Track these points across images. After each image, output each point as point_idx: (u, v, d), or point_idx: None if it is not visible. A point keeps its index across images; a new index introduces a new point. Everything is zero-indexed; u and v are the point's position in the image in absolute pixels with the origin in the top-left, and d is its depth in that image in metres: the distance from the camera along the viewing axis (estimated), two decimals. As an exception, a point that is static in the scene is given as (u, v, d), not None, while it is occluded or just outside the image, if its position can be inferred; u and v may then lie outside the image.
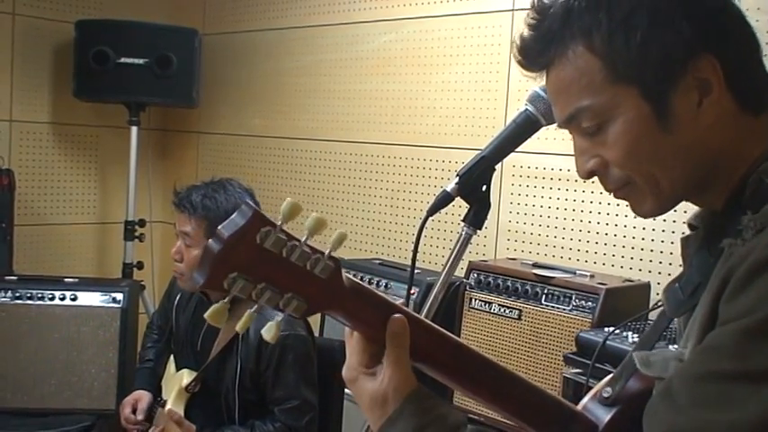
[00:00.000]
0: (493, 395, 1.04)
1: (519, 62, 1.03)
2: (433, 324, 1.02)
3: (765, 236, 0.85)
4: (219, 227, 0.86)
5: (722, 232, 0.93)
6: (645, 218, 1.04)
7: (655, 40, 0.92)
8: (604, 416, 1.03)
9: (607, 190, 1.04)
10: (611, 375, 1.07)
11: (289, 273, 0.87)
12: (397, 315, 0.97)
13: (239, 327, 0.90)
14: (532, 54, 1.02)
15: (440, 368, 1.01)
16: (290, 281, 0.87)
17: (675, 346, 1.03)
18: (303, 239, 0.87)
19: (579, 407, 1.07)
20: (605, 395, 1.04)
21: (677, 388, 0.86)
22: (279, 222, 0.86)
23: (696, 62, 0.92)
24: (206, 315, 0.90)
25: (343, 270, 0.92)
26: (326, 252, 0.89)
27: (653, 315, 2.46)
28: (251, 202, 0.86)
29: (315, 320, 2.63)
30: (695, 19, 0.92)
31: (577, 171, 1.04)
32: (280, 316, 0.91)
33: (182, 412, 2.44)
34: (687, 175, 0.97)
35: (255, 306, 0.88)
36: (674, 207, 1.01)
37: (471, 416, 2.52)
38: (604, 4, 0.94)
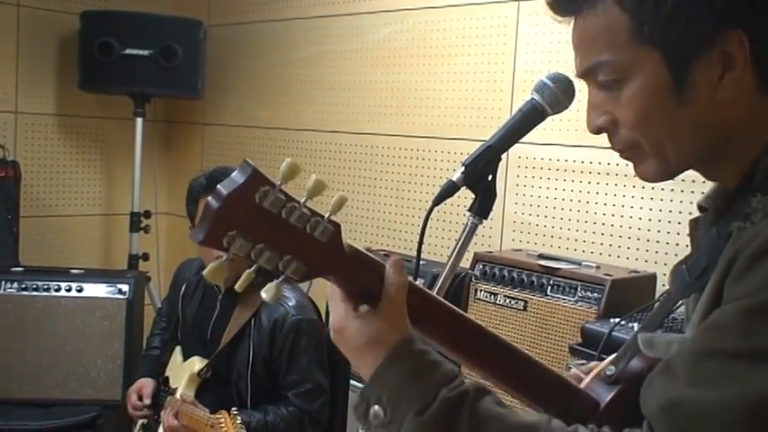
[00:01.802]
0: (495, 368, 1.05)
1: (549, 4, 1.02)
2: (433, 294, 1.02)
3: None
4: (219, 185, 0.85)
5: (731, 214, 0.93)
6: (647, 182, 1.03)
7: (686, 8, 0.90)
8: (606, 394, 1.04)
9: (614, 149, 1.03)
10: (614, 355, 1.08)
11: (288, 234, 0.86)
12: (396, 257, 0.98)
13: (239, 285, 0.89)
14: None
15: (440, 333, 1.01)
16: (289, 242, 0.87)
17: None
18: (302, 201, 0.87)
19: (582, 385, 1.07)
20: (608, 373, 1.05)
21: (677, 365, 0.87)
22: (278, 182, 0.85)
23: (725, 36, 0.90)
24: (204, 272, 0.90)
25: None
26: (326, 215, 0.88)
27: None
28: (251, 162, 0.85)
29: (321, 308, 2.64)
30: None
31: (587, 125, 1.03)
32: (280, 279, 0.90)
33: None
34: (695, 147, 0.96)
35: (254, 266, 0.88)
36: (677, 175, 1.00)
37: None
38: None
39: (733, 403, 0.80)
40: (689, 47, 0.91)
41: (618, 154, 1.03)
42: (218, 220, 0.84)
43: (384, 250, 3.36)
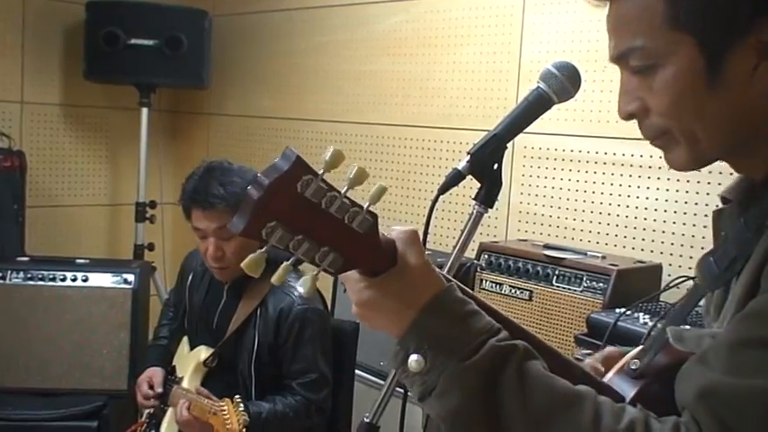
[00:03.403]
0: None
1: None
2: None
3: None
4: (260, 173, 0.82)
5: (760, 204, 0.92)
6: (677, 170, 1.02)
7: None
8: (631, 389, 1.01)
9: (644, 136, 1.01)
10: (638, 348, 1.06)
11: (327, 225, 0.83)
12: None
13: (275, 279, 0.87)
14: None
15: None
16: (327, 233, 0.84)
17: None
18: (343, 191, 0.84)
19: (605, 380, 1.05)
20: (633, 368, 1.02)
21: (712, 355, 0.85)
22: (321, 171, 0.82)
23: (762, 24, 0.89)
24: (243, 264, 0.86)
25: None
26: (365, 205, 0.86)
27: (665, 296, 2.45)
28: (294, 150, 0.82)
29: (327, 298, 2.64)
30: None
31: (618, 111, 1.01)
32: (314, 271, 0.87)
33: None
34: (727, 136, 0.95)
35: (292, 258, 0.85)
36: (708, 164, 0.99)
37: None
38: None
39: None
40: (724, 34, 0.90)
41: (648, 142, 1.02)
42: (259, 211, 0.80)
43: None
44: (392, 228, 0.95)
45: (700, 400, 0.83)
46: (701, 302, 1.08)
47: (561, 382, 0.90)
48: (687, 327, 1.02)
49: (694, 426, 0.82)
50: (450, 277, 0.99)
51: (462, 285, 0.99)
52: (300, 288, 0.89)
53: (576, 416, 0.86)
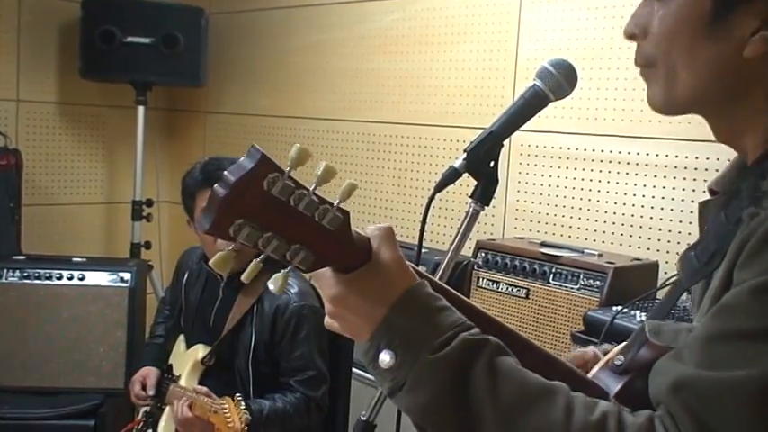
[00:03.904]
0: None
1: None
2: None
3: None
4: (226, 171, 0.82)
5: (740, 197, 0.92)
6: (652, 109, 1.01)
7: None
8: (615, 384, 1.01)
9: (635, 63, 1.02)
10: (622, 344, 1.06)
11: (296, 222, 0.83)
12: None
13: (245, 276, 0.87)
14: None
15: None
16: (297, 231, 0.84)
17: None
18: (311, 188, 0.84)
19: (590, 375, 1.05)
20: (617, 363, 1.02)
21: (687, 350, 0.85)
22: (287, 169, 0.82)
23: None
24: (211, 262, 0.87)
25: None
26: (335, 203, 0.86)
27: (661, 294, 2.45)
28: (259, 148, 0.83)
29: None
30: None
31: (623, 29, 1.02)
32: (287, 270, 0.87)
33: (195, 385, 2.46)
34: (705, 85, 0.95)
35: (261, 255, 0.85)
36: (682, 113, 1.00)
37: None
38: None
39: (747, 382, 0.78)
40: None
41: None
42: (225, 209, 0.80)
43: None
44: (367, 225, 0.95)
45: (673, 394, 0.83)
46: (683, 297, 1.08)
47: (533, 375, 0.89)
48: (666, 321, 1.02)
49: (668, 419, 0.82)
50: (425, 273, 0.98)
51: (436, 281, 0.98)
52: (271, 285, 0.88)
53: (548, 409, 0.85)
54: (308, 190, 0.84)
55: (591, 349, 1.19)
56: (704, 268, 0.95)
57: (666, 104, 0.99)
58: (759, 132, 0.95)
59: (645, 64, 1.00)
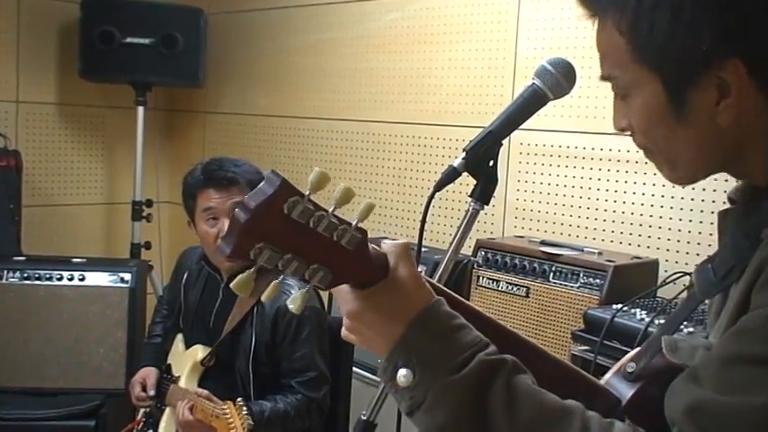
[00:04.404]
0: None
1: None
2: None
3: None
4: (246, 196, 0.84)
5: (760, 213, 0.92)
6: (672, 183, 1.05)
7: (676, 39, 0.90)
8: (628, 391, 1.02)
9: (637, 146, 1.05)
10: (635, 351, 1.06)
11: (315, 243, 0.85)
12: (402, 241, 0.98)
13: (265, 296, 0.90)
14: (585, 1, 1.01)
15: None
16: (316, 252, 0.86)
17: (703, 335, 1.02)
18: (330, 210, 0.86)
19: (602, 381, 1.06)
20: (629, 370, 1.03)
21: (703, 372, 0.85)
22: (306, 192, 0.84)
23: (720, 63, 0.90)
24: (232, 285, 0.88)
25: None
26: (354, 223, 0.88)
27: (661, 292, 2.45)
28: (279, 173, 0.85)
29: (324, 296, 2.63)
30: (718, 25, 0.89)
31: (613, 123, 1.04)
32: (305, 287, 0.89)
33: (195, 387, 2.46)
34: (705, 161, 0.97)
35: (281, 276, 0.87)
36: (699, 180, 1.01)
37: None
38: None
39: (762, 407, 0.78)
40: (684, 72, 0.91)
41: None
42: (246, 233, 0.82)
43: (386, 237, 3.36)
44: (383, 241, 0.97)
45: (688, 417, 0.83)
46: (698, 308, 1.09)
47: (549, 396, 0.90)
48: (681, 335, 1.02)
49: None
50: (443, 288, 1.00)
51: (453, 294, 1.00)
52: (290, 305, 0.91)
53: (565, 428, 0.86)
54: (326, 212, 0.86)
55: None
56: (721, 282, 0.95)
57: (680, 181, 1.03)
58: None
59: (644, 151, 1.02)
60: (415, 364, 0.90)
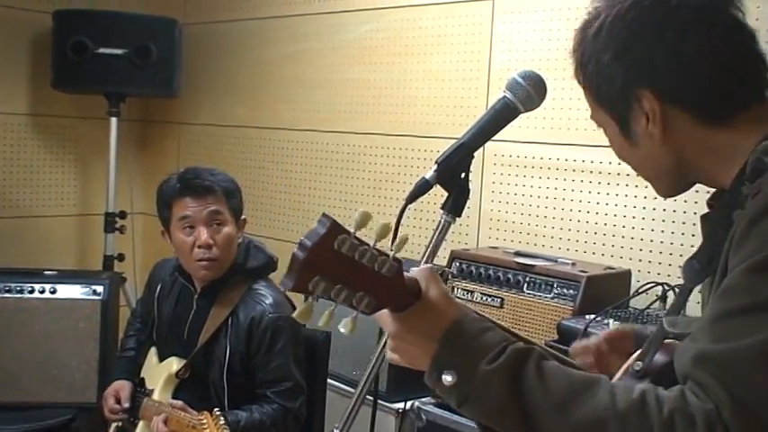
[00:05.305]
0: None
1: None
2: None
3: (759, 196, 1.00)
4: (303, 237, 0.97)
5: (729, 206, 1.06)
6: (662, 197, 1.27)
7: (601, 79, 1.15)
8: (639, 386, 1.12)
9: None
10: (639, 351, 1.19)
11: (361, 274, 0.99)
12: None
13: (322, 322, 1.01)
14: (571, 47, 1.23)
15: None
16: (362, 281, 1.00)
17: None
18: (372, 244, 1.00)
19: (614, 380, 1.14)
20: (636, 369, 1.16)
21: (700, 333, 0.99)
22: (352, 230, 0.99)
23: (637, 95, 1.12)
24: (295, 315, 1.03)
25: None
26: (391, 254, 1.02)
27: (634, 302, 2.47)
28: (329, 216, 1.01)
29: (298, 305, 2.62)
30: (623, 64, 1.12)
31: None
32: (353, 312, 1.02)
33: (170, 399, 2.43)
34: (664, 173, 1.19)
35: (334, 305, 1.01)
36: (683, 191, 1.21)
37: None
38: (581, 44, 1.18)
39: (756, 345, 0.92)
40: (618, 106, 1.15)
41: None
42: (305, 269, 0.96)
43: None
44: (411, 269, 1.10)
45: (695, 365, 0.96)
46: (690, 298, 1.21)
47: (576, 371, 1.04)
48: (679, 316, 1.18)
49: (696, 387, 0.95)
50: (468, 306, 1.14)
51: (479, 312, 1.14)
52: (342, 329, 1.04)
53: (594, 394, 0.99)
54: (368, 245, 1.00)
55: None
56: (705, 269, 1.10)
57: (666, 194, 1.24)
58: (735, 168, 1.10)
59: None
60: (455, 365, 1.04)
